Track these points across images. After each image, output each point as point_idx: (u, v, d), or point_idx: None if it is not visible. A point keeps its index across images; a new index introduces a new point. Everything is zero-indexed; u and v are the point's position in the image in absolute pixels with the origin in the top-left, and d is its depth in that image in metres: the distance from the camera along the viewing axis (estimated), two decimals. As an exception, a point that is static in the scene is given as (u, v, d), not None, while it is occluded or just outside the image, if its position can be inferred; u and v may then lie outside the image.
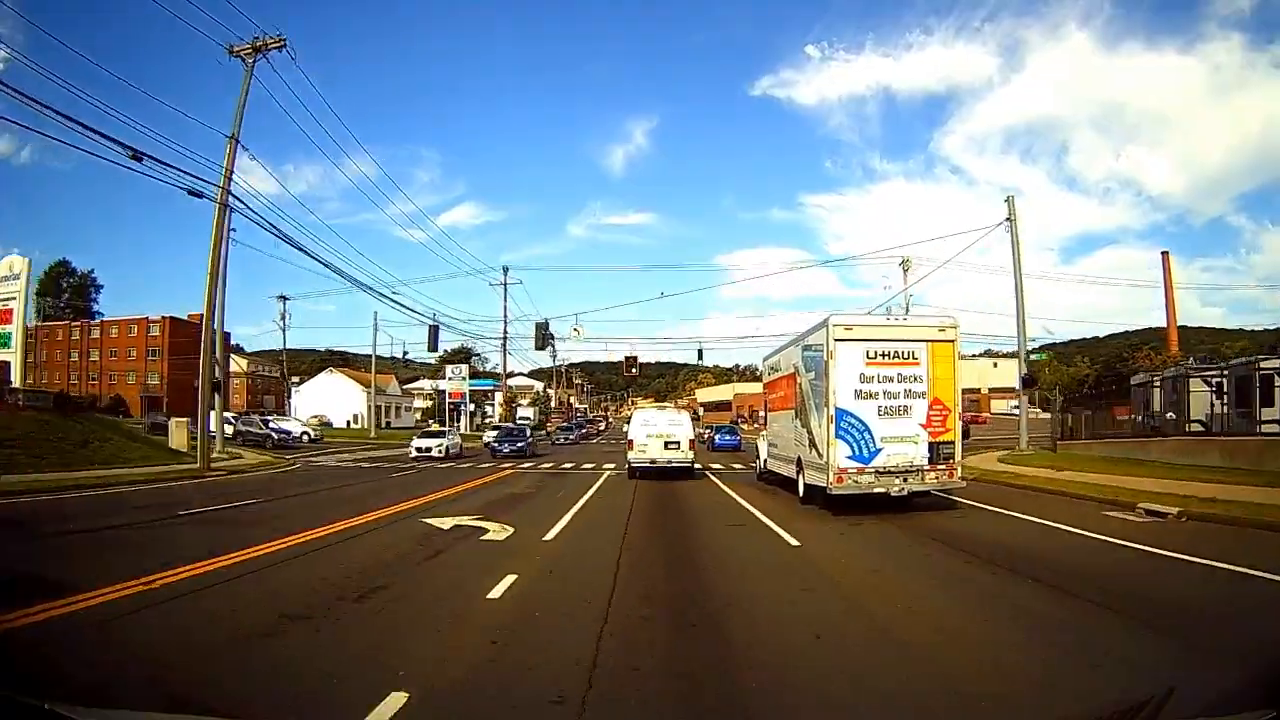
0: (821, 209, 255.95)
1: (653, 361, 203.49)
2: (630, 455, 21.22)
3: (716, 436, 40.91)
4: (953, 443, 12.81)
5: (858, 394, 12.50)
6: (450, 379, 76.38)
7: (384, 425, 74.01)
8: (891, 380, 12.65)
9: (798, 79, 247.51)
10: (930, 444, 12.64)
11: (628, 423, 26.37)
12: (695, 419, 42.83)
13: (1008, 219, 28.38)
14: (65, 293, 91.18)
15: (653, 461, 20.74)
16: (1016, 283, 27.97)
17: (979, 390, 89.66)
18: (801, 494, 14.12)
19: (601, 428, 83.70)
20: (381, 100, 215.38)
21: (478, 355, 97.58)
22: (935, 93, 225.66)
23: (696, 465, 22.85)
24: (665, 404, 36.47)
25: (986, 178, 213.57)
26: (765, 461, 18.63)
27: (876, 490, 12.40)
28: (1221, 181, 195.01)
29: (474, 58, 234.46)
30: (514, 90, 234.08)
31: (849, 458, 12.36)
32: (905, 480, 12.54)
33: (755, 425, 41.16)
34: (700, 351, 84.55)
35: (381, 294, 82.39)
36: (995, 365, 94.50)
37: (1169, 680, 3.86)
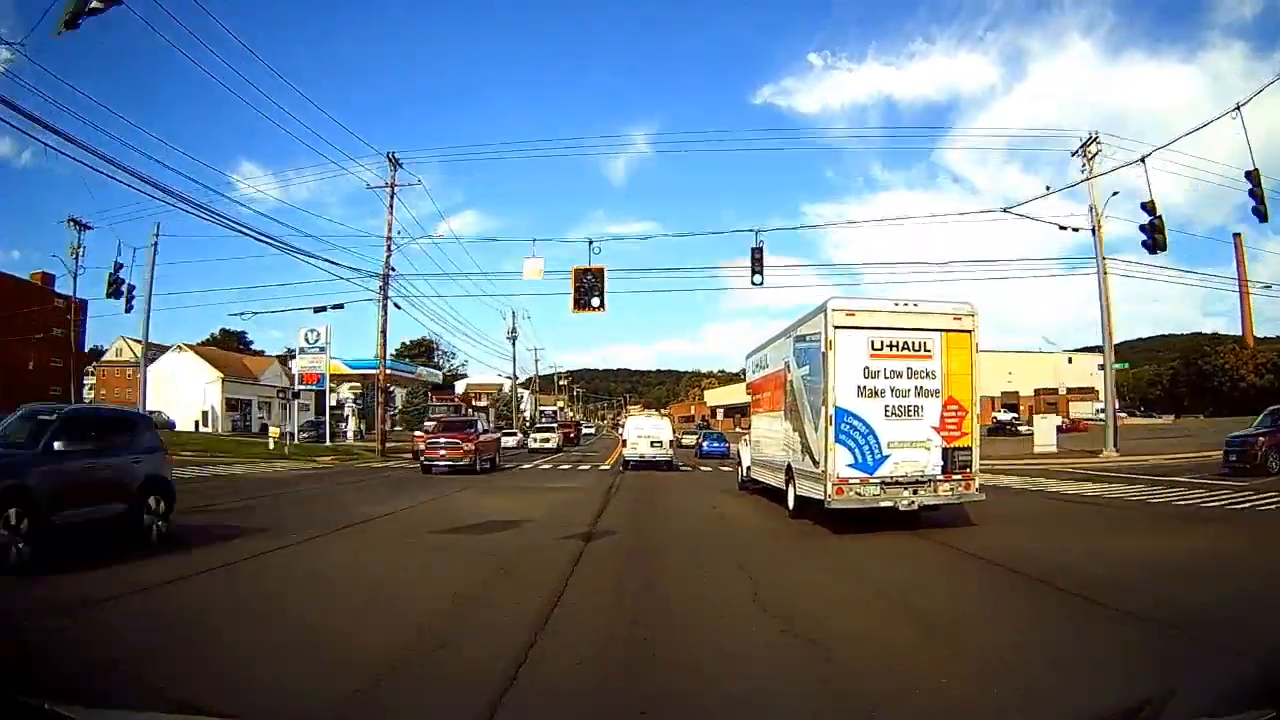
0: (823, 218, 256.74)
1: (652, 370, 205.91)
2: (625, 451, 29.03)
3: (705, 443, 39.90)
4: (970, 449, 11.05)
5: (861, 391, 10.68)
6: (306, 351, 43.93)
7: (244, 426, 58.46)
8: (900, 376, 10.86)
9: (800, 87, 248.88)
10: (944, 450, 10.87)
11: (622, 427, 39.09)
12: (704, 424, 72.41)
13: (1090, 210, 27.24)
14: None
15: (641, 456, 27.51)
16: (1099, 276, 27.02)
17: (1056, 391, 77.55)
18: (792, 506, 12.26)
19: (586, 432, 71.77)
20: (382, 106, 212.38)
21: (443, 350, 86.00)
22: (937, 101, 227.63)
23: (684, 466, 28.96)
24: (652, 412, 49.71)
25: (988, 187, 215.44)
26: (748, 469, 16.77)
27: (882, 504, 10.59)
28: (1222, 191, 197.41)
29: (474, 65, 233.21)
30: (514, 98, 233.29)
31: (850, 466, 10.52)
32: (915, 492, 10.76)
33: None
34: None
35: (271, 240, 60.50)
36: (1070, 361, 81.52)
37: None
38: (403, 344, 73.14)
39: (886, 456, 10.68)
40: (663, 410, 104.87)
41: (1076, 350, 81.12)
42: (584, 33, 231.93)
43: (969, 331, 11.19)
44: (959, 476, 10.98)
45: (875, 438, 10.64)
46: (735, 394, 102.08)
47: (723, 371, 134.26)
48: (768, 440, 14.45)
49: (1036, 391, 75.69)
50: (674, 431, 33.01)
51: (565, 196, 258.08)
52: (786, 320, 13.80)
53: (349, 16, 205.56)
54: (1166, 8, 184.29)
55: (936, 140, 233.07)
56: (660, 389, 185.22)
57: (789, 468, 12.44)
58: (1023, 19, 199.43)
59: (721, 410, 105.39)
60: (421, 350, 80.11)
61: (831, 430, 10.43)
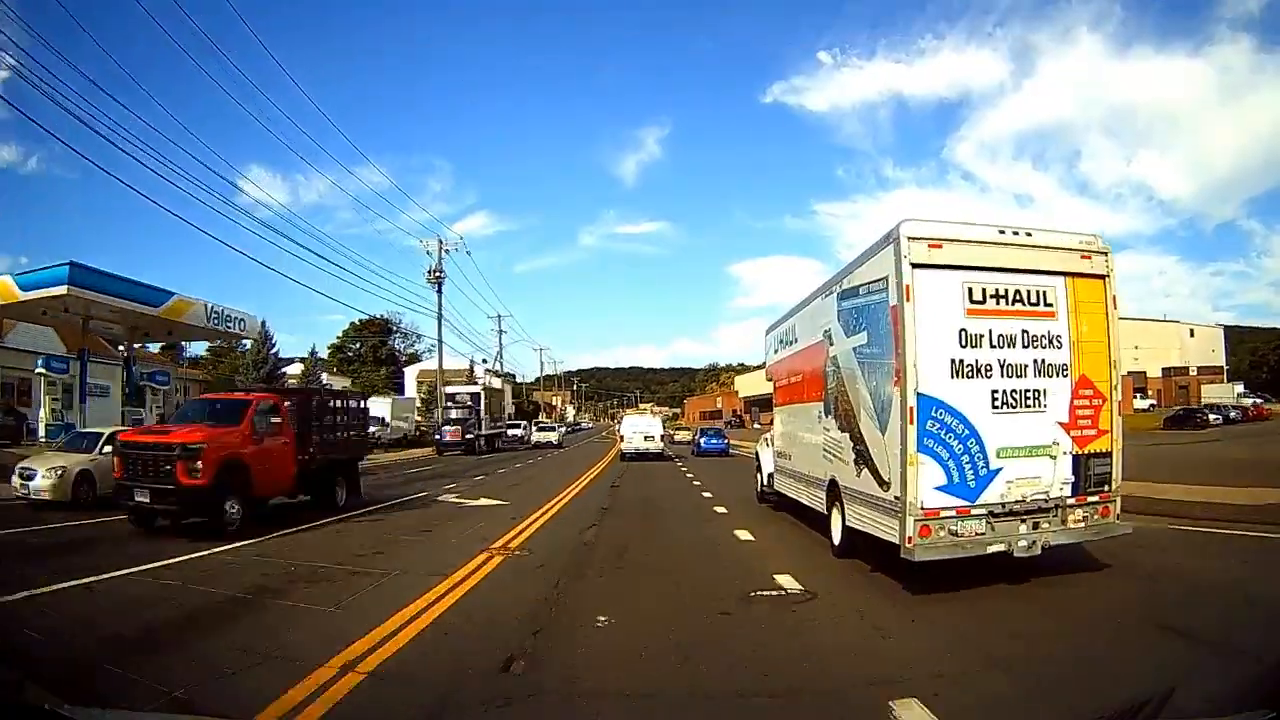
0: (834, 217, 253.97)
1: (665, 368, 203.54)
2: (622, 446, 33.07)
3: (702, 440, 37.45)
4: (1109, 455, 7.11)
5: (957, 369, 6.72)
6: None
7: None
8: (1013, 344, 6.91)
9: (810, 85, 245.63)
10: (1075, 459, 6.96)
11: (619, 425, 43.45)
12: (735, 418, 75.97)
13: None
14: None
15: (636, 449, 31.72)
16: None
17: (1186, 370, 63.21)
18: (838, 539, 8.30)
19: (546, 438, 50.62)
20: (393, 108, 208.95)
21: (401, 331, 72.78)
22: (947, 99, 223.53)
23: (681, 465, 29.06)
24: (645, 411, 54.07)
25: (999, 184, 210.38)
26: (769, 478, 12.78)
27: (992, 549, 6.60)
28: (1231, 185, 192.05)
29: (486, 67, 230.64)
30: (526, 99, 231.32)
31: (943, 489, 6.56)
32: (1036, 526, 6.83)
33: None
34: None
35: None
36: (1192, 334, 67.84)
37: None
38: (353, 324, 64.45)
39: (996, 472, 6.73)
40: (657, 408, 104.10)
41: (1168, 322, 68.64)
42: (594, 34, 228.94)
43: (1102, 277, 7.23)
44: (1095, 498, 7.06)
45: (979, 442, 6.67)
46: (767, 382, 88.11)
47: (742, 365, 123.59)
48: (798, 443, 10.39)
49: (1165, 372, 62.63)
50: (664, 428, 40.21)
51: (577, 197, 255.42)
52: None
53: (361, 16, 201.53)
54: (1174, 2, 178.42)
55: (946, 137, 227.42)
56: (675, 385, 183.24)
57: (833, 485, 8.42)
58: (1031, 14, 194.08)
59: (750, 406, 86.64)
60: (374, 327, 68.62)
61: (913, 433, 6.41)
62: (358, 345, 66.46)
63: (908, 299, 6.53)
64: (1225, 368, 63.00)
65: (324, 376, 67.18)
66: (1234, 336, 74.74)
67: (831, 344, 8.44)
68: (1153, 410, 51.40)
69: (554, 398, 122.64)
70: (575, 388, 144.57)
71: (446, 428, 37.77)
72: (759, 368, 79.17)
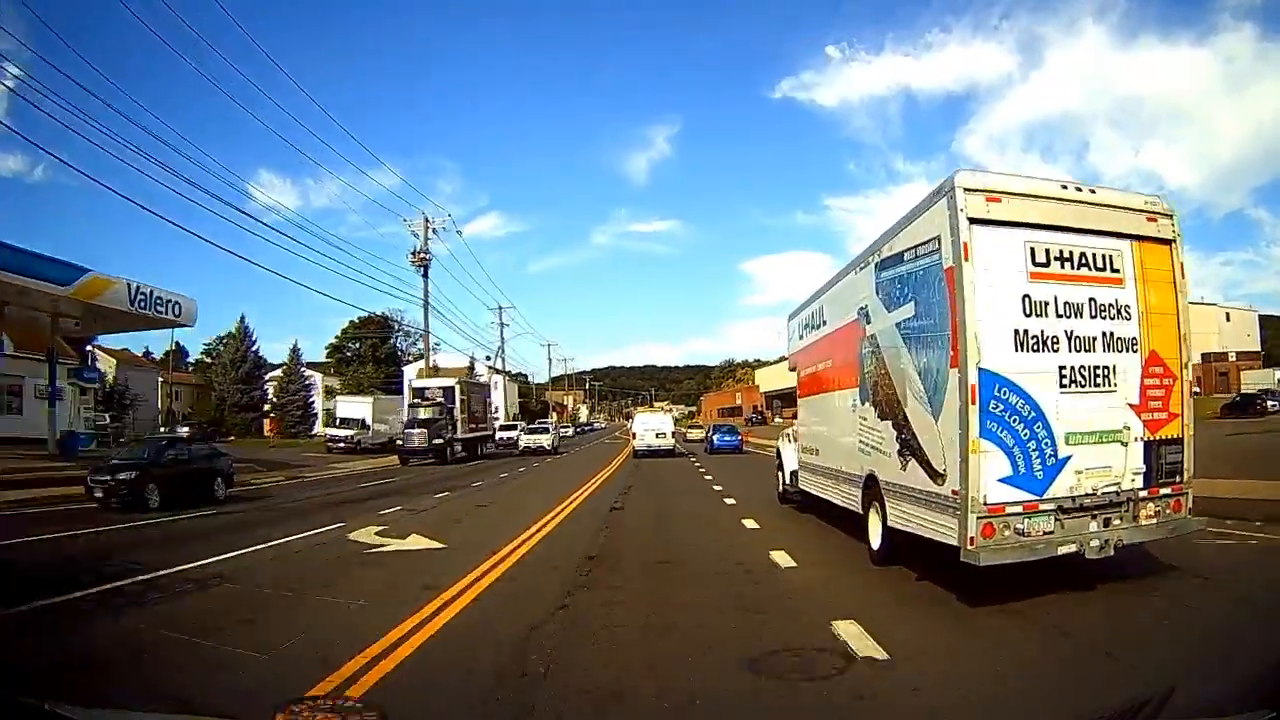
0: (845, 211, 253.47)
1: (680, 366, 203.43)
2: (635, 443, 33.31)
3: (715, 437, 36.92)
4: (1181, 441, 6.17)
5: (1022, 341, 5.78)
6: None
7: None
8: (1080, 313, 5.97)
9: (819, 81, 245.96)
10: (1147, 445, 6.00)
11: (631, 422, 42.19)
12: (757, 414, 70.70)
13: None
14: None
15: (649, 446, 32.33)
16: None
17: (1226, 356, 58.63)
18: (877, 543, 7.33)
19: (537, 443, 39.17)
20: (401, 110, 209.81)
21: (403, 329, 66.99)
22: (955, 92, 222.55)
23: (697, 464, 28.11)
24: (657, 409, 51.20)
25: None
26: (792, 476, 11.80)
27: (1062, 550, 5.67)
28: (1237, 174, 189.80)
29: (493, 67, 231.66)
30: (533, 99, 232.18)
31: (1007, 481, 5.60)
32: (1108, 524, 5.87)
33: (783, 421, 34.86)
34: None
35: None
36: (1228, 318, 63.50)
37: None
38: (352, 323, 60.83)
39: (1065, 461, 5.78)
40: (671, 406, 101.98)
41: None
42: (601, 33, 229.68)
43: (1169, 242, 6.31)
44: (1167, 491, 6.11)
45: (1047, 426, 5.72)
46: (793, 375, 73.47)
47: (758, 361, 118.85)
48: (828, 437, 9.41)
49: (1204, 357, 57.95)
50: (676, 426, 41.91)
51: (588, 196, 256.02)
52: None
53: (365, 16, 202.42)
54: None
55: (956, 130, 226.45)
56: (689, 383, 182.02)
57: (871, 481, 7.44)
58: (1036, 6, 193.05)
59: (780, 401, 74.20)
60: (376, 327, 64.62)
61: (975, 415, 5.45)
62: (356, 344, 63.04)
63: (966, 258, 5.58)
64: (1262, 353, 60.40)
65: (319, 379, 64.61)
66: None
67: (869, 322, 7.48)
68: (1196, 397, 49.03)
69: (566, 397, 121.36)
70: (588, 387, 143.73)
71: (411, 431, 30.47)
72: (781, 360, 71.12)
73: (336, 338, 63.35)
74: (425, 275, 37.38)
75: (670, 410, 68.88)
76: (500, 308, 58.09)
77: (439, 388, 33.90)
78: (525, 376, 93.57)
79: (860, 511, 7.86)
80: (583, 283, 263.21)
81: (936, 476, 5.88)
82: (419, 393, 34.11)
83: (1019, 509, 5.65)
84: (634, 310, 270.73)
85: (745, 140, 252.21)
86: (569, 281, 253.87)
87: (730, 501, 13.79)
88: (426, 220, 37.79)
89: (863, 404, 7.64)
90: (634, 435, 34.44)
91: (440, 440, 30.32)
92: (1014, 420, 5.67)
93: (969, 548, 5.46)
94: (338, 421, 43.38)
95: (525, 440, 38.93)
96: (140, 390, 62.60)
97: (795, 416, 12.36)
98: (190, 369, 69.36)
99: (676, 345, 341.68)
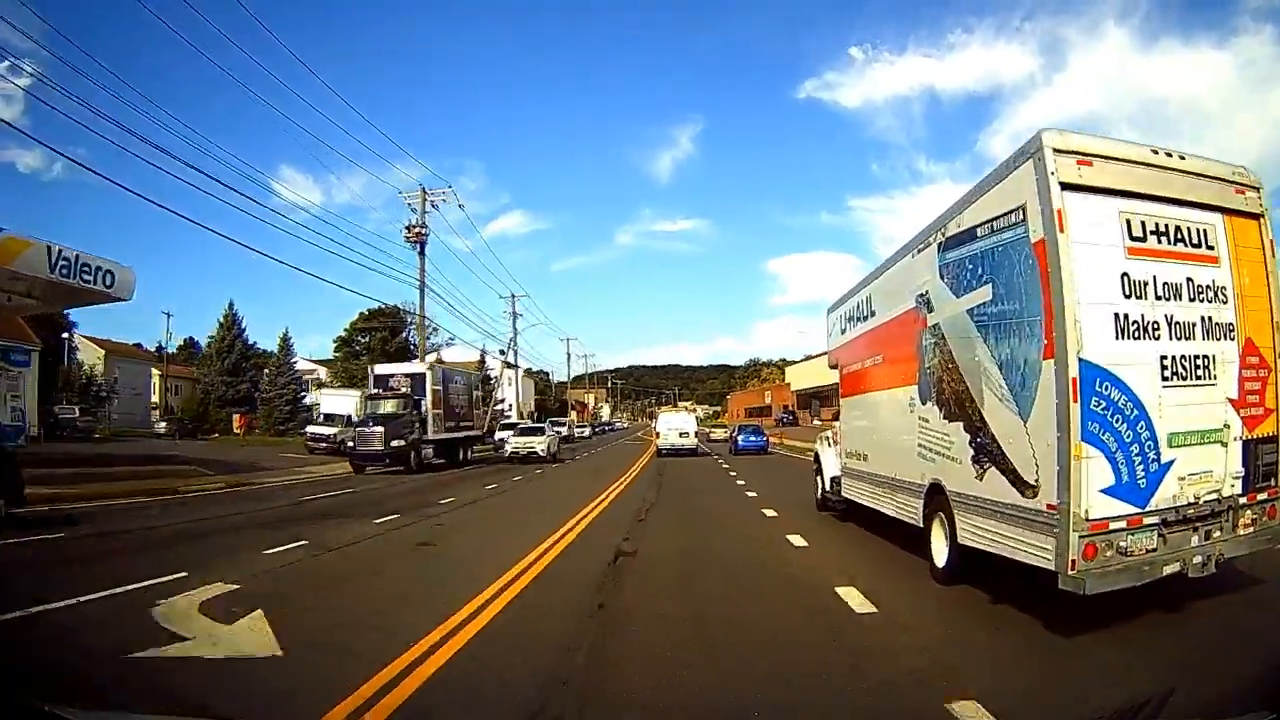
0: (869, 212, 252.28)
1: (705, 366, 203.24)
2: (659, 442, 34.16)
3: (740, 438, 35.50)
4: (1276, 439, 5.35)
5: (1122, 327, 4.92)
6: None
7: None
8: (1179, 295, 5.13)
9: (842, 81, 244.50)
10: (1245, 444, 5.21)
11: (655, 422, 43.09)
12: (788, 413, 64.05)
13: None
14: None
15: (672, 445, 33.03)
16: None
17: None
18: (943, 560, 6.44)
19: (527, 448, 30.43)
20: (426, 108, 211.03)
21: (411, 318, 61.00)
22: (978, 93, 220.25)
23: (719, 462, 28.26)
24: (680, 409, 53.47)
25: None
26: (832, 483, 10.93)
27: (1168, 569, 4.86)
28: (1260, 175, 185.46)
29: (519, 66, 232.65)
30: (560, 99, 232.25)
31: (1109, 491, 4.75)
32: (1208, 536, 5.07)
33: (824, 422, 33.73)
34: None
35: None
36: None
37: None
38: (361, 314, 56.32)
39: (1168, 466, 4.97)
40: (695, 406, 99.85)
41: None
42: (626, 33, 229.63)
43: (1257, 217, 5.50)
44: (1264, 495, 5.31)
45: (1150, 426, 4.90)
46: (828, 372, 42.46)
47: (784, 360, 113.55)
48: (878, 440, 8.52)
49: None
50: (699, 426, 42.86)
51: (613, 196, 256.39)
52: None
53: (391, 17, 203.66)
54: None
55: (980, 131, 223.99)
56: (714, 382, 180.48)
57: (935, 491, 6.56)
58: (1058, 8, 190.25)
59: (818, 400, 66.68)
60: (382, 317, 59.39)
61: (1077, 414, 4.59)
62: (365, 337, 57.76)
63: (1061, 229, 4.73)
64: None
65: (323, 372, 60.86)
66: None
67: (930, 310, 6.62)
68: None
69: (587, 395, 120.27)
70: (610, 385, 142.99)
71: (365, 430, 23.87)
72: (810, 358, 66.25)
73: (345, 330, 58.56)
74: (421, 253, 32.78)
75: (694, 410, 69.33)
76: (513, 296, 52.29)
77: (405, 375, 26.93)
78: (546, 374, 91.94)
79: (919, 525, 7.00)
80: (606, 282, 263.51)
81: (1025, 488, 5.02)
82: (381, 381, 26.96)
83: (1122, 524, 4.80)
84: (658, 309, 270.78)
85: (769, 140, 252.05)
86: (593, 280, 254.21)
87: (771, 513, 11.83)
88: (424, 192, 33.14)
89: (923, 403, 6.78)
90: (657, 434, 35.99)
91: (402, 442, 23.31)
92: (1117, 420, 4.80)
93: (1071, 573, 4.60)
94: (321, 418, 37.06)
95: (513, 444, 30.10)
96: (131, 383, 60.85)
97: (836, 417, 11.48)
98: (194, 363, 65.71)
99: (701, 345, 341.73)
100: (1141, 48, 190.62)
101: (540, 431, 32.18)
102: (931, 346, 6.55)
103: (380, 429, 23.37)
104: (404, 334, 59.70)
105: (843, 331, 9.97)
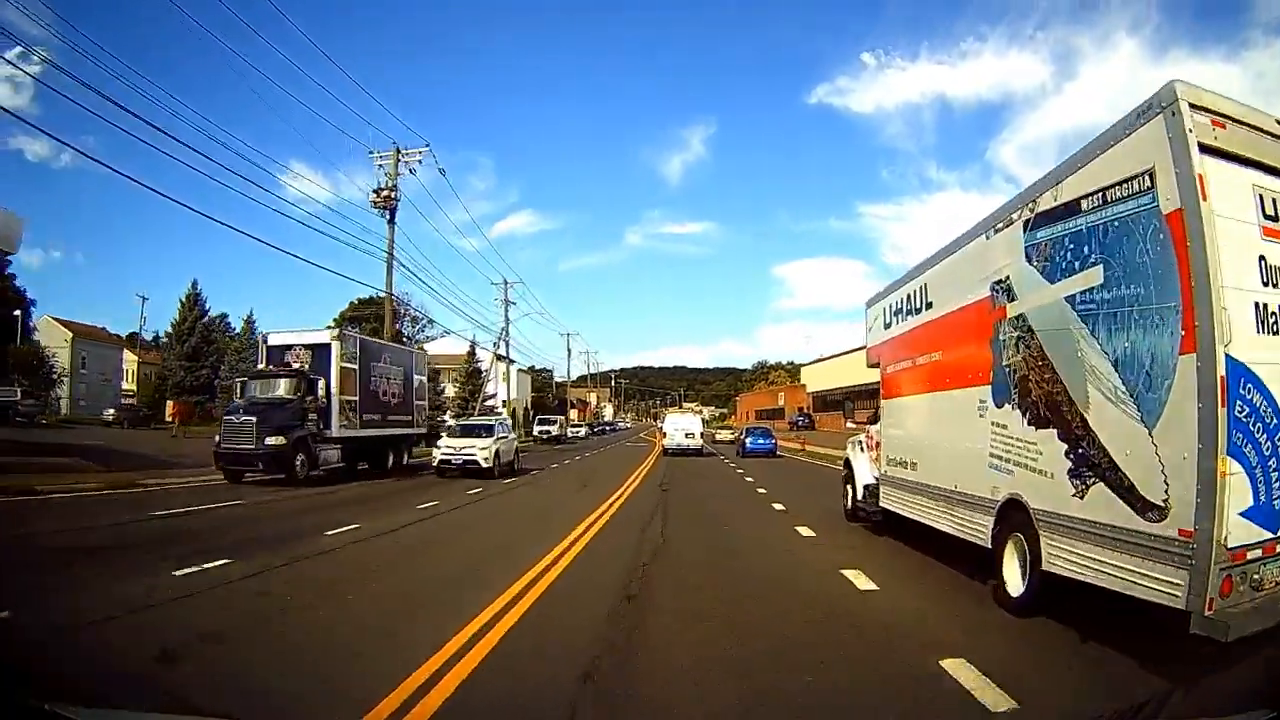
0: (878, 218, 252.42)
1: (711, 367, 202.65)
2: (665, 442, 34.99)
3: (748, 440, 35.08)
4: None
5: (1263, 319, 4.12)
6: None
7: None
8: (1310, 283, 4.31)
9: (854, 87, 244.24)
10: None
11: (662, 422, 45.71)
12: (802, 416, 61.53)
13: None
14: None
15: (678, 445, 33.71)
16: None
17: None
18: (1019, 591, 5.59)
19: (467, 455, 20.70)
20: (436, 105, 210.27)
21: (410, 314, 55.65)
22: (989, 101, 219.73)
23: (719, 457, 30.11)
24: (687, 410, 58.24)
25: None
26: (865, 491, 10.13)
27: None
28: None
29: (530, 67, 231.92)
30: (571, 99, 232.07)
31: (1246, 514, 3.94)
32: None
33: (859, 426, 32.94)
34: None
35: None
36: None
37: None
38: (351, 304, 53.17)
39: (1306, 482, 4.11)
40: (701, 407, 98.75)
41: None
42: (637, 35, 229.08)
43: None
44: None
45: (1291, 436, 4.05)
46: (850, 371, 51.54)
47: (792, 364, 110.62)
48: (931, 445, 7.64)
49: None
50: (705, 427, 43.85)
51: (622, 197, 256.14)
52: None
53: (403, 14, 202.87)
54: (1208, 6, 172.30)
55: (990, 139, 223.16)
56: (720, 384, 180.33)
57: (1012, 507, 5.70)
58: (1070, 18, 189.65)
59: (851, 400, 57.67)
60: (378, 308, 57.40)
61: (1224, 422, 3.77)
62: (355, 327, 57.88)
63: (1203, 196, 3.91)
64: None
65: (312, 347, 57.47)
66: None
67: (1011, 299, 5.77)
68: None
69: (590, 394, 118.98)
70: (613, 384, 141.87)
71: (235, 421, 16.95)
72: (832, 357, 63.37)
73: (335, 320, 56.52)
74: (391, 221, 28.22)
75: (700, 412, 68.27)
76: (505, 282, 48.01)
77: (304, 347, 19.44)
78: (549, 372, 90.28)
79: (985, 545, 6.17)
80: (614, 282, 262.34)
81: (1148, 509, 4.19)
82: (275, 355, 19.67)
83: (1258, 552, 4.02)
84: (665, 311, 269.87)
85: (779, 144, 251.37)
86: (600, 281, 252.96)
87: (806, 533, 10.05)
88: (397, 152, 28.58)
89: (998, 406, 5.94)
90: (664, 434, 37.41)
91: (281, 440, 16.56)
92: (1257, 429, 4.01)
93: (1209, 613, 3.78)
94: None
95: (444, 450, 20.95)
96: (100, 368, 58.11)
97: (871, 420, 10.65)
98: (160, 349, 62.66)
99: (707, 347, 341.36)
100: (1152, 58, 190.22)
101: (485, 432, 22.17)
102: (1013, 341, 5.71)
103: (252, 419, 16.51)
104: (396, 325, 57.52)
105: (886, 326, 9.12)
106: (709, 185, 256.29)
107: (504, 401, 56.84)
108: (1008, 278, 5.82)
